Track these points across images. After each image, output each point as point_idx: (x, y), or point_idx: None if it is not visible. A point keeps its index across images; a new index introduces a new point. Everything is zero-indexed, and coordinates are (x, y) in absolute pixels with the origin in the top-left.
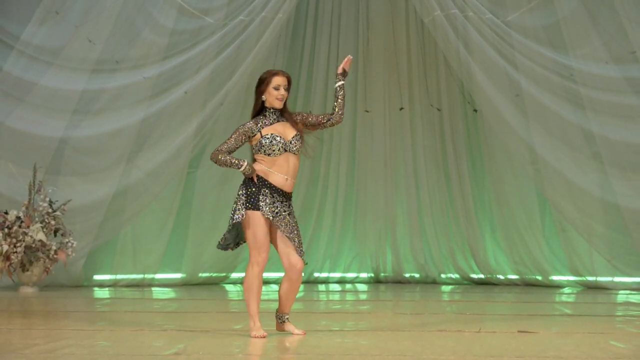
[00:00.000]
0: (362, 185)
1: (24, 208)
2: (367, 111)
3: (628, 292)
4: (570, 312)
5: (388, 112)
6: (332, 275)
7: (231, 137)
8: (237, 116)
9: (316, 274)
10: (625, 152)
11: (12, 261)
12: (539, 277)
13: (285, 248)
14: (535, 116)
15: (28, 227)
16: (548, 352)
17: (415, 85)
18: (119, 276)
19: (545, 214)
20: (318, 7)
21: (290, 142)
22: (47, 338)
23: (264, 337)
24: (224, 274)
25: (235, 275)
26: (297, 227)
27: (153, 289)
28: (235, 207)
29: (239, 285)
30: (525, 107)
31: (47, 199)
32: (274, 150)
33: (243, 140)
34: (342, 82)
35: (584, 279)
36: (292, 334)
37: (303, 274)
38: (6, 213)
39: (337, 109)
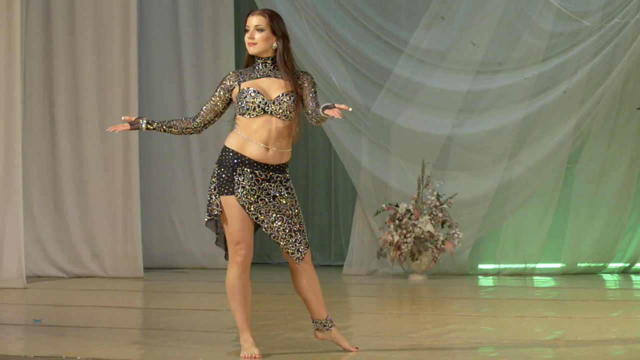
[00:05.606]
0: None
1: (413, 201)
2: None
3: None
4: None
5: None
6: None
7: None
8: (612, 115)
9: None
10: None
11: (403, 251)
12: None
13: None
14: None
15: (417, 219)
16: None
17: None
18: (502, 265)
19: None
20: None
21: (274, 102)
22: (434, 323)
23: (256, 358)
24: (601, 264)
25: (612, 265)
26: (291, 211)
27: (534, 277)
28: (209, 197)
29: (616, 274)
30: None
31: (435, 193)
32: (248, 110)
33: (223, 97)
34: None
35: None
36: (341, 347)
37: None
38: (397, 206)
39: (312, 115)
